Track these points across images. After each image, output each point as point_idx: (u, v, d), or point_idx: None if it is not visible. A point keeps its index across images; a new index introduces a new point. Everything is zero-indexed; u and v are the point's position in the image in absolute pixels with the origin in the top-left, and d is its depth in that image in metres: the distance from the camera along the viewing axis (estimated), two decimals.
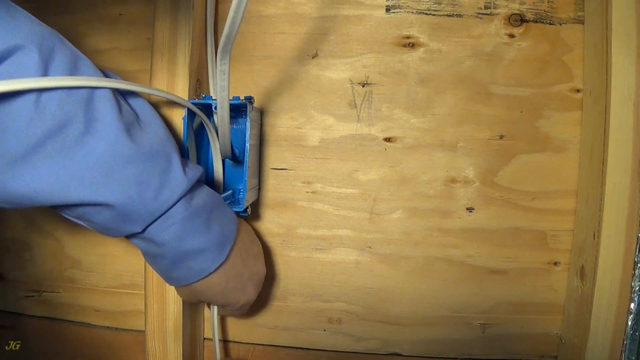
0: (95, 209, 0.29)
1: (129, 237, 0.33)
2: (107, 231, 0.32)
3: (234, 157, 0.42)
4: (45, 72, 0.26)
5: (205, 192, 0.35)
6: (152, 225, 0.31)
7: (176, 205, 0.32)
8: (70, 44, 0.29)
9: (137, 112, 0.33)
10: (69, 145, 0.27)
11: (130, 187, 0.29)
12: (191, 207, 0.32)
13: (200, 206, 0.33)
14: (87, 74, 0.29)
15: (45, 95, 0.26)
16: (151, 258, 0.35)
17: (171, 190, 0.31)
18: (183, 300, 0.42)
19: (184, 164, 0.33)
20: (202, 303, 0.48)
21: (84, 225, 0.32)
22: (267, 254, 0.48)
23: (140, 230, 0.31)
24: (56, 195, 0.27)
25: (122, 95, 0.32)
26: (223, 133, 0.35)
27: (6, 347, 0.52)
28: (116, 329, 0.50)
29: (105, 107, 0.29)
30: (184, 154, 0.38)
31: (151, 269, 0.42)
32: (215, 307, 0.41)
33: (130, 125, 0.30)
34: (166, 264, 0.34)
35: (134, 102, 0.33)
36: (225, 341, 0.49)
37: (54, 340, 0.51)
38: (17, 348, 0.52)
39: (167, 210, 0.31)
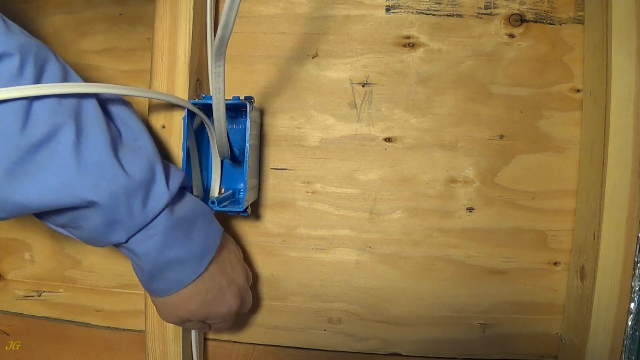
0: (84, 213, 0.29)
1: (116, 246, 0.33)
2: (93, 240, 0.32)
3: (233, 157, 0.42)
4: (38, 80, 0.27)
5: (188, 201, 0.35)
6: (135, 236, 0.31)
7: (159, 216, 0.32)
8: (60, 58, 0.30)
9: (122, 123, 0.33)
10: (61, 153, 0.27)
11: (120, 195, 0.29)
12: (173, 217, 0.32)
13: (182, 217, 0.33)
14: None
15: (37, 103, 0.27)
16: (134, 268, 0.35)
17: (155, 202, 0.31)
18: None
19: (167, 174, 0.33)
20: None
21: (70, 235, 0.32)
22: (266, 254, 0.48)
23: (124, 241, 0.31)
24: (49, 202, 0.28)
25: (106, 105, 0.32)
26: (220, 134, 0.35)
27: (6, 347, 0.52)
28: (116, 329, 0.50)
29: (92, 119, 0.29)
30: (185, 154, 0.38)
31: None
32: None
33: (116, 139, 0.31)
34: (145, 275, 0.34)
35: (118, 111, 0.33)
36: (225, 341, 0.49)
37: (54, 340, 0.51)
38: (17, 348, 0.52)
39: (151, 222, 0.31)
